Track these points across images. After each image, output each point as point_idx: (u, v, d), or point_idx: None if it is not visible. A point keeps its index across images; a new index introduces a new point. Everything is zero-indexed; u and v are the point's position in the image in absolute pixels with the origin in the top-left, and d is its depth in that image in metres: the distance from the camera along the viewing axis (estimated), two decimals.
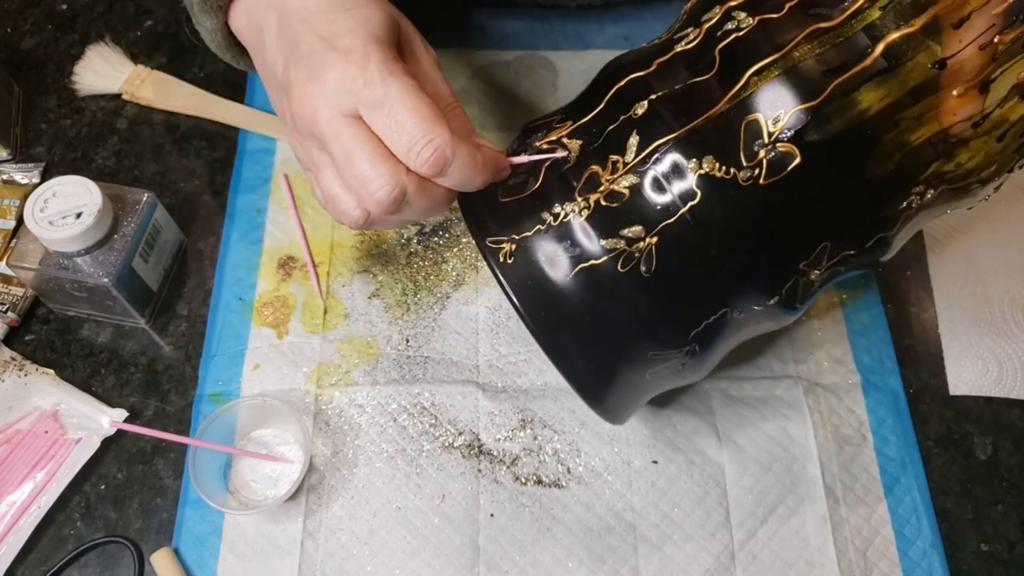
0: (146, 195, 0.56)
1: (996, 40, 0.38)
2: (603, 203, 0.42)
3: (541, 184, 0.43)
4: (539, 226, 0.42)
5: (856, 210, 0.42)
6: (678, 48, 0.43)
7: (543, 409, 0.56)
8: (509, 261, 0.43)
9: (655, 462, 0.55)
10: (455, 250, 0.62)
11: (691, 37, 0.42)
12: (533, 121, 0.48)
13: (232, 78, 0.70)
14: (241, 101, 0.68)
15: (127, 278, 0.55)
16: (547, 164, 0.44)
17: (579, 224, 0.42)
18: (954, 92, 0.39)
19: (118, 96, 0.68)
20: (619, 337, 0.43)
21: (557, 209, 0.42)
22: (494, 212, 0.44)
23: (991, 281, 0.63)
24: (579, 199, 0.42)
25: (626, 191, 0.41)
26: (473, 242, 0.62)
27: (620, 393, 0.45)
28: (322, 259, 0.61)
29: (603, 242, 0.41)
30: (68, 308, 0.59)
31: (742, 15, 0.41)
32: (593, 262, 0.42)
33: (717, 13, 0.42)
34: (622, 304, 0.42)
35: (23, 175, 0.64)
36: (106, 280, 0.53)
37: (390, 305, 0.60)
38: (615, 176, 0.42)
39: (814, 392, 0.58)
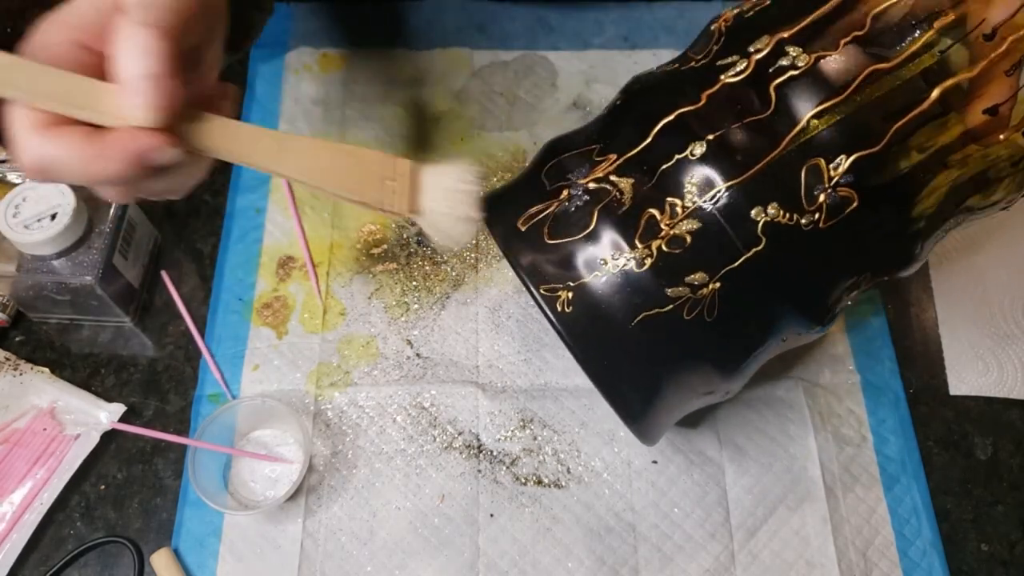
0: None
1: None
2: (665, 249, 0.41)
3: (595, 227, 0.42)
4: (597, 272, 0.41)
5: (899, 243, 0.43)
6: (725, 79, 0.41)
7: (543, 409, 0.56)
8: (568, 310, 0.42)
9: (655, 462, 0.55)
10: (454, 250, 0.62)
11: (740, 68, 0.41)
12: (561, 147, 0.46)
13: (232, 79, 0.70)
14: (241, 102, 0.68)
15: (110, 275, 0.54)
16: (601, 205, 0.42)
17: (642, 273, 0.41)
18: (1000, 136, 0.40)
19: None
20: (676, 378, 0.44)
21: (616, 255, 0.41)
22: (544, 256, 0.43)
23: (991, 281, 0.63)
24: (640, 246, 0.41)
25: (688, 236, 0.41)
26: (472, 242, 0.62)
27: (664, 421, 0.46)
28: (321, 259, 0.61)
29: (668, 291, 0.41)
30: (50, 315, 0.58)
31: (796, 51, 0.40)
32: (658, 311, 0.41)
33: (767, 44, 0.40)
34: (682, 349, 0.42)
35: (17, 175, 0.64)
36: (89, 279, 0.53)
37: (389, 305, 0.60)
38: (675, 221, 0.41)
39: (814, 392, 0.58)
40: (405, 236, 0.63)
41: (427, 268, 0.61)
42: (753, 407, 0.57)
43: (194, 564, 0.51)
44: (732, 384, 0.45)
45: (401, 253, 0.62)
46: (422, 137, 0.67)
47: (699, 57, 0.44)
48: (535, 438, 0.56)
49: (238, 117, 0.39)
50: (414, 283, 0.61)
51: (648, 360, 0.43)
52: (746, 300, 0.42)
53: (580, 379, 0.57)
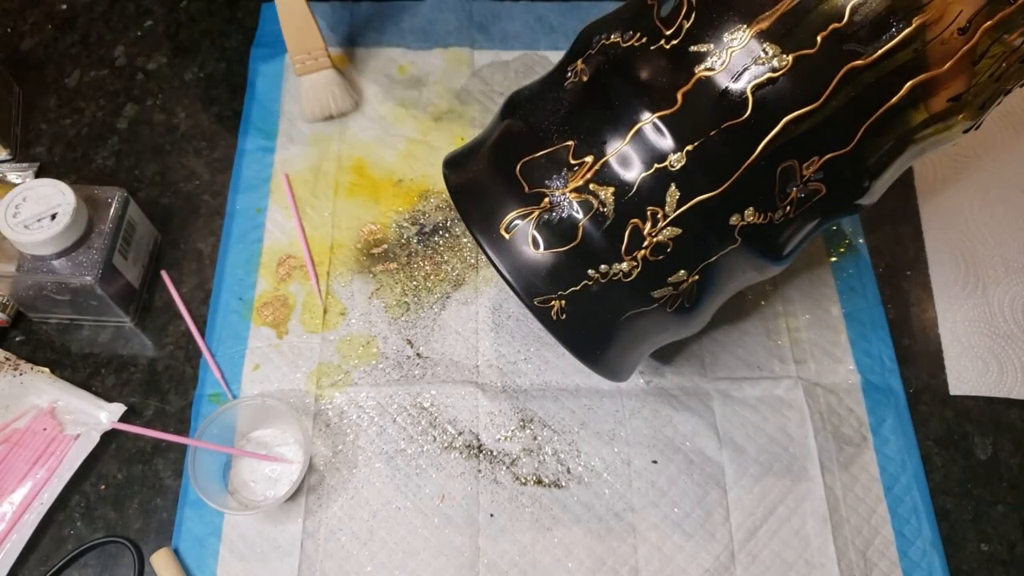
0: (118, 192, 0.55)
1: (1004, 65, 0.39)
2: (650, 258, 0.42)
3: (582, 240, 0.43)
4: (586, 282, 0.43)
5: (852, 192, 0.44)
6: (700, 73, 0.40)
7: (543, 409, 0.56)
8: (562, 318, 0.44)
9: (655, 462, 0.55)
10: (455, 250, 0.62)
11: (714, 62, 0.40)
12: (521, 100, 0.48)
13: (232, 79, 0.70)
14: (241, 102, 0.68)
15: (109, 275, 0.54)
16: (585, 218, 0.42)
17: (630, 283, 0.43)
18: (960, 116, 0.41)
19: (118, 95, 0.68)
20: (653, 340, 0.48)
21: (604, 267, 0.43)
22: (533, 267, 0.43)
23: (991, 281, 0.63)
24: (626, 258, 0.42)
25: (670, 242, 0.42)
26: (472, 243, 0.62)
27: (629, 363, 0.50)
28: (322, 259, 0.61)
29: (654, 293, 0.43)
30: (50, 315, 0.58)
31: (774, 49, 0.39)
32: (644, 309, 0.44)
33: (743, 37, 0.39)
34: (663, 330, 0.47)
35: (17, 175, 0.64)
36: (89, 278, 0.53)
37: (390, 305, 0.60)
38: (657, 229, 0.42)
39: (814, 392, 0.58)
40: (405, 236, 0.63)
41: (427, 268, 0.61)
42: (753, 407, 0.57)
43: (194, 564, 0.51)
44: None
45: (401, 253, 0.62)
46: (422, 137, 0.67)
47: (669, 32, 0.41)
48: (535, 438, 0.56)
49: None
50: (414, 283, 0.61)
51: (633, 342, 0.47)
52: (720, 281, 0.45)
53: (580, 379, 0.57)
